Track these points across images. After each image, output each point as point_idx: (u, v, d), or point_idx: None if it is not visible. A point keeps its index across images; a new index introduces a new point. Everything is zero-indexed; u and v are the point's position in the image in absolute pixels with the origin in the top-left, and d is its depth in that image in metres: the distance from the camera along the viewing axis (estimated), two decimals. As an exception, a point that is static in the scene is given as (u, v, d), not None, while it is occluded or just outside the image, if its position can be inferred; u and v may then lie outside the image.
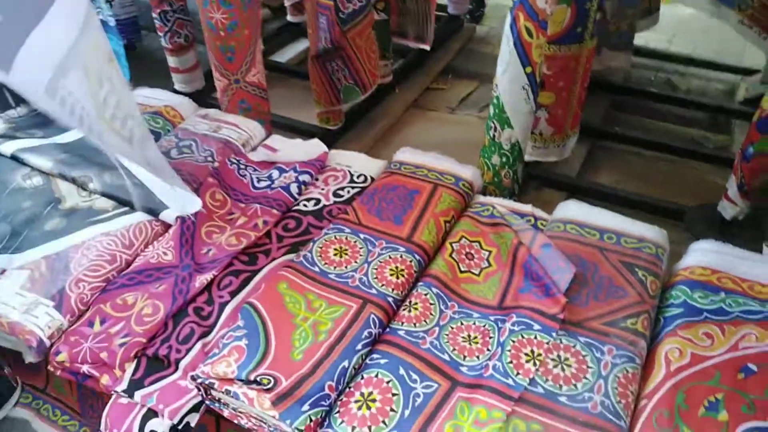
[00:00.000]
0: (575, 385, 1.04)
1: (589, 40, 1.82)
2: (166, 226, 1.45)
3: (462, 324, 1.18)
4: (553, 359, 1.08)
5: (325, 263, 1.30)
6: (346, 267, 1.29)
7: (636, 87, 2.63)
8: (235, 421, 1.09)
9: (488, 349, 1.12)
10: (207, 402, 1.10)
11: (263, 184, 1.56)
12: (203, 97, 2.33)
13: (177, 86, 2.39)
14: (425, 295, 1.23)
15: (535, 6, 1.47)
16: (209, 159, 1.61)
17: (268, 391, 1.03)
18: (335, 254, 1.32)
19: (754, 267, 1.25)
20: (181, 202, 1.44)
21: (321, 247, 1.33)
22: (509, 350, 1.09)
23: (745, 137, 1.69)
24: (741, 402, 1.00)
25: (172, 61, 2.35)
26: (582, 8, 1.73)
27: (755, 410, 0.99)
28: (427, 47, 2.49)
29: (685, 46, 2.94)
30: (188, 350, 1.16)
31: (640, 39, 3.05)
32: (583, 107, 1.97)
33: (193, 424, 1.09)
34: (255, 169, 1.62)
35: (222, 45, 1.80)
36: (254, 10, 1.79)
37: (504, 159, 1.67)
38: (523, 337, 1.12)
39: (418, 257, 1.31)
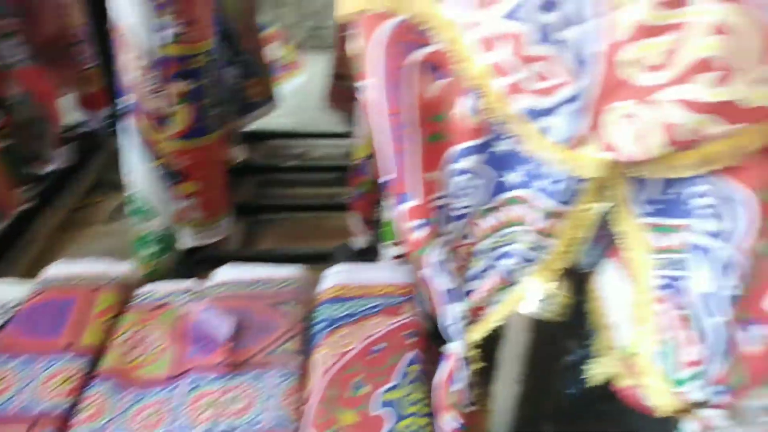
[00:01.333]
0: (250, 412, 1.19)
1: (214, 132, 2.08)
2: None
3: (141, 405, 1.24)
4: (227, 399, 1.22)
5: (-21, 400, 1.21)
6: (4, 396, 1.23)
7: (276, 164, 3.04)
8: None
9: (169, 416, 1.20)
10: None
11: None
12: None
13: None
14: (99, 392, 1.25)
15: (149, 107, 1.66)
16: None
17: None
18: (-10, 388, 1.24)
19: (372, 274, 1.60)
20: None
21: (-30, 386, 1.24)
22: (187, 408, 1.20)
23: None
24: (375, 375, 1.29)
25: None
26: (199, 106, 1.98)
27: (385, 376, 1.28)
28: (56, 167, 2.51)
29: (308, 123, 3.51)
30: None
31: (272, 124, 3.54)
32: (228, 189, 2.21)
33: None
34: None
35: None
36: None
37: (159, 246, 1.79)
38: (197, 392, 1.23)
39: (85, 360, 1.32)
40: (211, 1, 1.88)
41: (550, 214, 0.84)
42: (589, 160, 0.74)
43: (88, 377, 1.30)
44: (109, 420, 1.20)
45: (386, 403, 1.22)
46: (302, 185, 2.89)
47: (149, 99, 1.67)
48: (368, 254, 2.17)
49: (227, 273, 1.60)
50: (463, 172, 0.89)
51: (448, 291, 0.94)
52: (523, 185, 0.87)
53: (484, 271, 0.95)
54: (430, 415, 1.20)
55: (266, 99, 2.87)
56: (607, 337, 0.86)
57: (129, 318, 1.46)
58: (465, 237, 0.95)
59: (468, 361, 0.98)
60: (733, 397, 0.69)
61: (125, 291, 1.55)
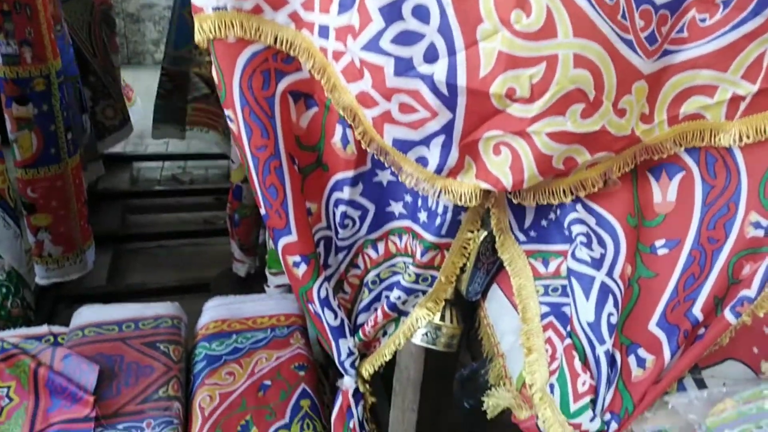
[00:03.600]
0: (121, 472, 1.07)
1: (69, 158, 1.89)
2: None
3: (-10, 474, 1.08)
4: (96, 458, 1.09)
5: None
6: None
7: (144, 189, 2.85)
8: None
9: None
10: None
11: None
12: None
13: None
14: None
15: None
16: None
17: None
18: None
19: (256, 306, 1.52)
20: None
21: None
22: (46, 472, 1.05)
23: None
24: (265, 413, 1.22)
25: None
26: (47, 131, 1.79)
27: (275, 414, 1.22)
28: None
29: (180, 144, 3.32)
30: None
31: (141, 146, 3.32)
32: (88, 220, 2.02)
33: None
34: None
35: None
36: None
37: (3, 290, 1.57)
38: (58, 453, 1.09)
39: None
40: (52, 19, 1.71)
41: (430, 247, 0.83)
42: (467, 189, 0.74)
43: None
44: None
45: (277, 444, 1.16)
46: (176, 210, 2.72)
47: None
48: (252, 282, 2.08)
49: (89, 314, 1.44)
50: (341, 202, 0.86)
51: (336, 327, 0.90)
52: (408, 216, 0.86)
53: (372, 303, 0.92)
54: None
55: (121, 122, 2.66)
56: (500, 366, 0.87)
57: (-29, 373, 1.26)
58: (353, 267, 0.92)
59: (362, 395, 0.95)
60: (622, 424, 0.72)
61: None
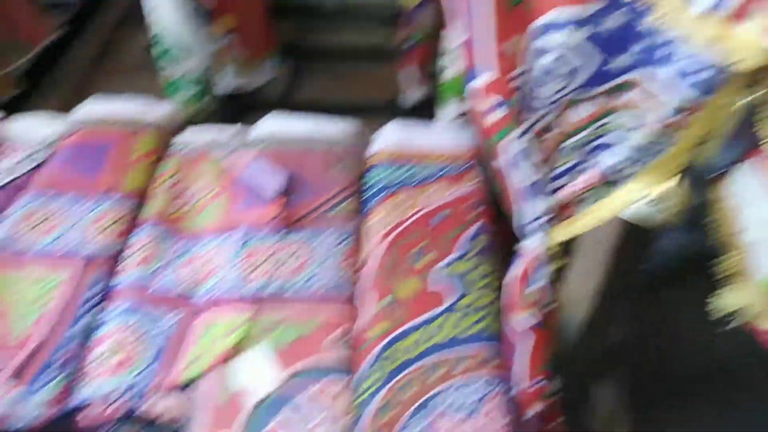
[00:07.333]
0: (306, 272, 1.14)
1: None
2: None
3: (191, 255, 1.19)
4: (282, 257, 1.16)
5: (26, 237, 1.17)
6: (52, 235, 1.18)
7: (318, 5, 2.77)
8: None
9: (221, 269, 1.16)
10: None
11: None
12: None
13: None
14: (148, 238, 1.20)
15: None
16: None
17: None
18: (36, 225, 1.20)
19: (432, 137, 1.46)
20: None
21: (16, 222, 1.20)
22: (239, 262, 1.14)
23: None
24: (437, 245, 1.20)
25: None
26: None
27: (448, 248, 1.20)
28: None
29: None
30: None
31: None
32: (272, 27, 2.01)
33: None
34: None
35: None
36: None
37: (196, 89, 1.64)
38: (251, 246, 1.17)
39: (129, 204, 1.26)
40: None
41: (683, 108, 0.64)
42: (747, 43, 0.54)
43: (136, 222, 1.25)
44: (158, 266, 1.16)
45: (449, 276, 1.15)
46: (348, 33, 2.64)
47: None
48: (422, 111, 2.00)
49: (272, 124, 1.47)
50: (557, 48, 0.68)
51: (531, 185, 0.79)
52: (641, 64, 0.67)
53: (576, 167, 0.78)
54: (499, 289, 1.13)
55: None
56: (739, 260, 0.72)
57: (170, 164, 1.37)
58: (554, 127, 0.77)
59: (549, 259, 0.86)
60: None
61: (164, 135, 1.45)
